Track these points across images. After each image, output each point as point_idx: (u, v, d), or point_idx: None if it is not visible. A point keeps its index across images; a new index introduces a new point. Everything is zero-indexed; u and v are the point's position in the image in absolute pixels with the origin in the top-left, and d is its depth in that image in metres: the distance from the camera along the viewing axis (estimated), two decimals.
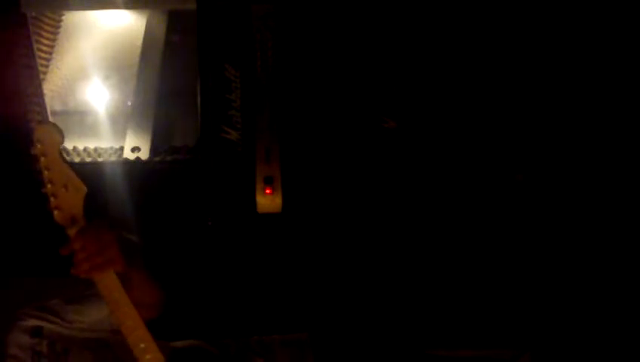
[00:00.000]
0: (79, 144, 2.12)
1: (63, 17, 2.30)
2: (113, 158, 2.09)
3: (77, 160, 2.07)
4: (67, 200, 1.45)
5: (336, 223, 1.94)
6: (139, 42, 2.28)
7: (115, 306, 1.49)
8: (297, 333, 1.85)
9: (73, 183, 1.45)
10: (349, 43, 1.94)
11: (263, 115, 1.92)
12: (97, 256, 1.45)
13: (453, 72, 1.95)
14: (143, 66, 2.24)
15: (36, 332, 1.60)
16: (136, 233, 1.63)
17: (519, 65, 1.96)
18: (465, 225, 1.97)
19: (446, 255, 1.97)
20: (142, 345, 1.51)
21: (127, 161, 2.08)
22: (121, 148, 2.11)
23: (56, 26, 2.29)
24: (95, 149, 2.12)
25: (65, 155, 2.01)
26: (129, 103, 2.21)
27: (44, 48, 2.23)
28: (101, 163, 2.07)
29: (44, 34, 2.22)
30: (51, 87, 2.24)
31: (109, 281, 1.48)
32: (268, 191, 1.91)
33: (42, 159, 1.43)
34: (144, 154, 2.10)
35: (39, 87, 2.07)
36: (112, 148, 2.13)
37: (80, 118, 2.20)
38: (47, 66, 2.24)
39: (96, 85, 2.24)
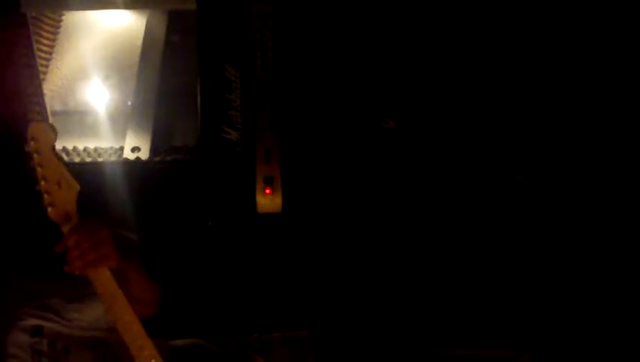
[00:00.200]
0: (79, 144, 2.12)
1: (63, 17, 2.30)
2: (113, 158, 2.09)
3: (77, 160, 2.07)
4: (61, 198, 1.46)
5: (336, 223, 1.94)
6: (139, 42, 2.28)
7: (110, 303, 1.50)
8: (297, 331, 1.85)
9: (66, 181, 1.46)
10: (349, 43, 1.94)
11: (263, 115, 1.92)
12: (91, 252, 1.46)
13: (453, 73, 1.95)
14: (143, 66, 2.24)
15: (36, 331, 1.60)
16: (136, 232, 1.63)
17: (519, 65, 1.96)
18: (465, 225, 1.97)
19: (446, 254, 1.97)
20: (138, 342, 1.52)
21: (127, 161, 2.08)
22: (121, 148, 2.12)
23: (56, 26, 2.29)
24: (95, 149, 2.12)
25: (65, 155, 2.02)
26: (129, 103, 2.21)
27: (44, 48, 2.23)
28: (101, 163, 2.07)
29: (44, 34, 2.23)
30: (51, 87, 2.24)
31: (103, 278, 1.49)
32: (268, 191, 1.91)
33: (35, 156, 1.44)
34: (144, 154, 2.10)
35: (39, 87, 2.06)
36: (112, 148, 2.13)
37: (80, 118, 2.20)
38: (47, 66, 2.24)
39: (96, 85, 2.24)
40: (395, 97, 1.95)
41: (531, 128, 1.97)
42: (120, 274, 1.51)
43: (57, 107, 2.23)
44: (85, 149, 2.10)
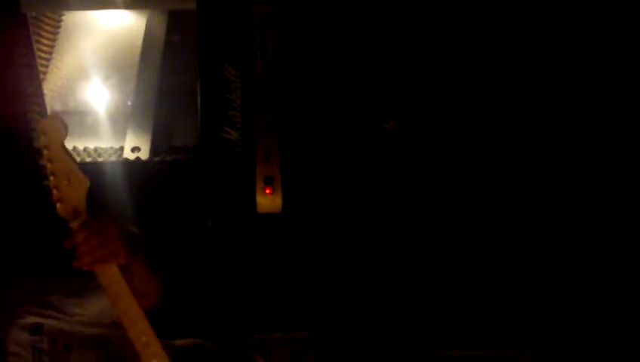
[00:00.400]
0: (79, 144, 2.12)
1: (63, 17, 2.30)
2: (113, 158, 2.09)
3: (77, 160, 2.06)
4: (70, 194, 1.45)
5: (336, 223, 1.94)
6: (139, 42, 2.28)
7: (116, 298, 1.49)
8: (297, 332, 1.85)
9: (76, 176, 1.45)
10: (349, 43, 1.94)
11: (263, 115, 1.92)
12: (100, 249, 1.46)
13: (453, 73, 1.95)
14: (143, 66, 2.24)
15: (36, 329, 1.59)
16: (137, 226, 1.63)
17: (519, 65, 1.96)
18: (465, 225, 1.97)
19: (446, 254, 1.97)
20: (143, 339, 1.51)
21: (127, 161, 2.08)
22: (121, 148, 2.11)
23: (56, 26, 2.29)
24: (95, 149, 2.12)
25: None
26: (129, 103, 2.21)
27: (44, 48, 2.23)
28: (101, 163, 2.07)
29: (44, 34, 2.23)
30: (51, 87, 2.24)
31: (111, 274, 1.49)
32: (268, 191, 1.91)
33: (45, 152, 1.43)
34: (144, 154, 2.10)
35: (39, 87, 2.06)
36: (112, 148, 2.13)
37: (80, 118, 2.20)
38: (47, 66, 2.24)
39: (96, 85, 2.24)
40: (395, 97, 1.95)
41: (531, 128, 1.97)
42: (125, 269, 1.51)
43: (57, 107, 2.23)
44: (85, 149, 2.10)
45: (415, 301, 1.97)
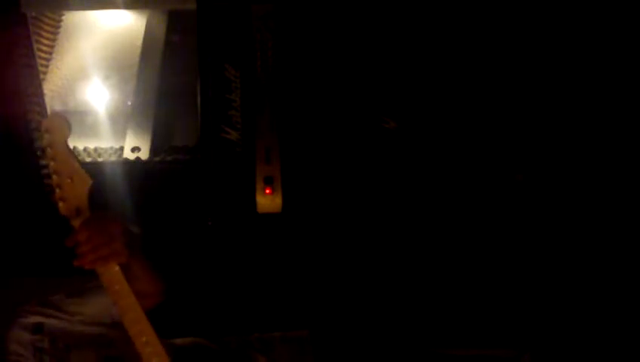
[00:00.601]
0: (79, 144, 2.12)
1: (63, 17, 2.30)
2: (113, 158, 2.09)
3: None
4: (72, 192, 1.45)
5: (336, 223, 1.94)
6: (139, 42, 2.28)
7: (117, 297, 1.49)
8: (298, 331, 1.85)
9: (79, 175, 1.45)
10: (349, 43, 1.94)
11: (263, 115, 1.92)
12: (102, 247, 1.45)
13: (453, 73, 1.95)
14: (143, 66, 2.24)
15: (37, 328, 1.59)
16: (138, 225, 1.63)
17: (519, 65, 1.96)
18: (465, 225, 1.97)
19: (446, 254, 1.97)
20: (144, 339, 1.51)
21: (127, 161, 2.08)
22: (121, 148, 2.12)
23: (56, 26, 2.29)
24: (95, 149, 2.12)
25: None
26: (129, 103, 2.21)
27: (44, 48, 2.23)
28: (101, 163, 2.07)
29: (44, 34, 2.23)
30: (51, 87, 2.24)
31: (112, 273, 1.49)
32: (268, 191, 1.91)
33: (49, 150, 1.43)
34: (144, 154, 2.10)
35: (39, 87, 2.06)
36: (112, 148, 2.13)
37: (80, 118, 2.20)
38: (47, 66, 2.24)
39: (96, 85, 2.24)
40: (395, 97, 1.95)
41: (531, 128, 1.97)
42: (125, 268, 1.51)
43: (57, 107, 2.23)
44: (85, 149, 2.10)
45: (415, 301, 1.97)
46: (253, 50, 1.92)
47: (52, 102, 2.20)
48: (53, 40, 2.28)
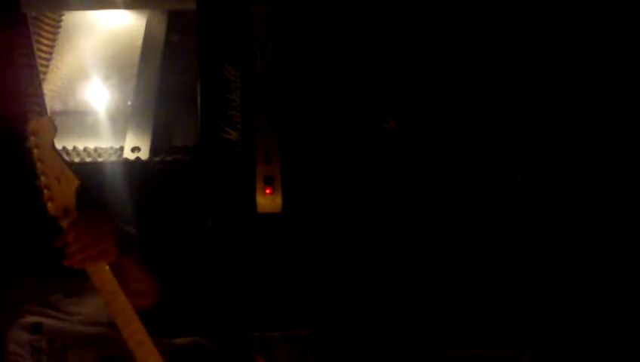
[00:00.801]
0: (79, 144, 2.12)
1: (63, 17, 2.30)
2: (113, 158, 2.09)
3: (77, 160, 2.07)
4: (60, 192, 1.46)
5: (336, 223, 1.94)
6: (139, 42, 2.28)
7: (109, 298, 1.50)
8: (298, 330, 1.85)
9: (66, 175, 1.46)
10: (349, 43, 1.94)
11: (263, 115, 1.92)
12: (90, 247, 1.46)
13: (453, 73, 1.95)
14: (143, 66, 2.24)
15: (36, 328, 1.59)
16: (134, 226, 1.63)
17: (519, 65, 1.96)
18: (465, 225, 1.97)
19: (446, 255, 1.97)
20: (137, 338, 1.51)
21: (127, 161, 2.08)
22: (121, 148, 2.12)
23: (56, 26, 2.29)
24: (95, 149, 2.12)
25: (65, 155, 2.02)
26: (129, 103, 2.21)
27: (44, 48, 2.23)
28: (101, 163, 2.07)
29: (44, 34, 2.23)
30: (51, 87, 2.24)
31: (102, 273, 1.49)
32: (268, 191, 1.91)
33: (35, 151, 1.44)
34: (144, 154, 2.10)
35: (39, 87, 2.05)
36: (112, 148, 2.13)
37: (80, 118, 2.20)
38: (47, 66, 2.24)
39: (96, 85, 2.24)
40: (395, 97, 1.95)
41: (531, 128, 1.96)
42: (118, 268, 1.51)
43: (57, 107, 2.23)
44: (85, 149, 2.10)
45: (415, 301, 1.97)
46: (253, 50, 1.92)
47: (52, 102, 2.21)
48: (53, 40, 2.28)
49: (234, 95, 1.91)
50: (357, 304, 1.96)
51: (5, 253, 2.07)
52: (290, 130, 1.92)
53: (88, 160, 2.08)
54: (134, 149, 2.10)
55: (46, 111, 2.05)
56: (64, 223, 1.47)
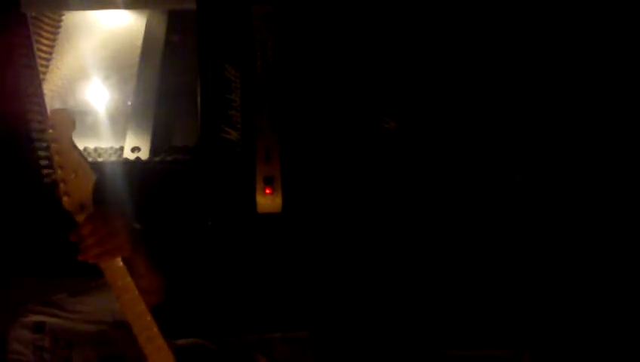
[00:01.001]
0: (79, 144, 2.09)
1: (63, 17, 2.30)
2: (113, 158, 2.09)
3: None
4: (76, 186, 1.46)
5: (336, 223, 1.94)
6: (139, 42, 2.28)
7: (121, 292, 1.50)
8: (298, 331, 1.85)
9: (83, 169, 1.46)
10: (349, 43, 1.94)
11: (263, 115, 1.92)
12: (107, 241, 1.46)
13: (453, 73, 1.95)
14: (143, 66, 2.24)
15: (39, 327, 1.60)
16: (139, 223, 1.63)
17: (519, 65, 1.96)
18: (465, 226, 1.97)
19: (446, 255, 1.97)
20: (147, 333, 1.51)
21: (127, 161, 2.08)
22: (121, 148, 2.12)
23: (56, 26, 2.29)
24: (95, 149, 2.12)
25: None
26: (129, 103, 2.21)
27: (44, 48, 2.23)
28: (101, 163, 2.07)
29: (44, 34, 2.23)
30: (51, 87, 2.24)
31: (115, 267, 1.49)
32: (268, 191, 1.91)
33: (54, 145, 1.44)
34: (144, 154, 2.10)
35: (39, 87, 2.06)
36: (112, 148, 2.13)
37: (80, 118, 2.19)
38: (47, 66, 2.24)
39: (96, 85, 2.24)
40: (395, 97, 1.95)
41: (531, 128, 1.97)
42: (129, 264, 1.51)
43: (57, 107, 2.23)
44: (85, 149, 2.11)
45: (415, 301, 1.97)
46: (253, 50, 1.92)
47: (52, 102, 2.20)
48: (53, 40, 2.28)
49: (234, 95, 1.91)
50: (357, 305, 1.96)
51: (5, 253, 2.07)
52: (290, 130, 1.92)
53: (88, 160, 2.07)
54: (134, 149, 2.11)
55: (46, 111, 2.06)
56: (80, 218, 1.47)
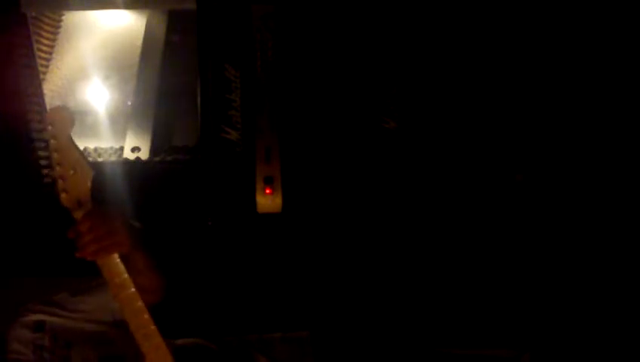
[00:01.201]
0: (79, 144, 2.10)
1: (63, 17, 2.30)
2: (113, 158, 2.09)
3: None
4: (75, 183, 1.46)
5: (336, 223, 1.94)
6: (139, 42, 2.28)
7: (118, 290, 1.50)
8: (298, 331, 1.85)
9: (81, 166, 1.46)
10: (349, 43, 1.94)
11: (263, 115, 1.92)
12: (105, 237, 1.46)
13: (453, 73, 1.95)
14: (143, 66, 2.24)
15: (38, 326, 1.60)
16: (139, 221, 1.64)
17: (519, 65, 1.96)
18: (465, 226, 1.97)
19: (446, 255, 1.97)
20: (145, 331, 1.51)
21: (127, 161, 2.08)
22: (121, 148, 2.12)
23: (56, 26, 2.29)
24: (95, 149, 2.12)
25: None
26: (129, 103, 2.21)
27: (44, 48, 2.23)
28: (101, 163, 2.07)
29: (44, 34, 2.23)
30: (51, 87, 2.24)
31: (112, 265, 1.49)
32: (268, 191, 1.91)
33: (52, 142, 1.44)
34: (144, 154, 2.10)
35: (39, 87, 2.06)
36: (112, 148, 2.13)
37: (80, 118, 2.20)
38: (47, 66, 2.24)
39: (96, 85, 2.24)
40: (395, 97, 1.95)
41: (531, 128, 1.97)
42: (127, 262, 1.51)
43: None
44: (85, 149, 2.11)
45: (414, 301, 1.97)
46: (253, 50, 1.92)
47: (52, 102, 2.20)
48: (53, 40, 2.28)
49: (234, 95, 1.91)
50: (357, 305, 1.96)
51: (5, 253, 2.07)
52: (290, 130, 1.92)
53: (88, 160, 2.08)
54: (134, 149, 2.11)
55: (46, 111, 2.06)
56: (77, 214, 1.47)
